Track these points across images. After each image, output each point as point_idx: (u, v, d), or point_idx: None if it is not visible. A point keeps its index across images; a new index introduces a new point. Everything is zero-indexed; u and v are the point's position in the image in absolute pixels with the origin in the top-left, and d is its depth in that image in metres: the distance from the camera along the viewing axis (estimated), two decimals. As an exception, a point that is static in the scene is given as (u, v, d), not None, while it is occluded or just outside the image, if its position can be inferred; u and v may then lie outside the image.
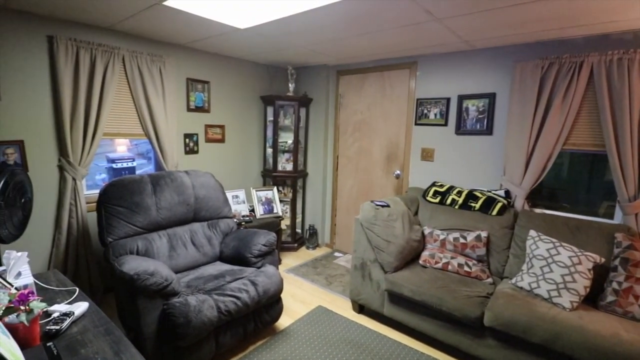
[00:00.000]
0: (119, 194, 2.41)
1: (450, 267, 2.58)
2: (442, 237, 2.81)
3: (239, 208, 3.62)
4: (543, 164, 2.75)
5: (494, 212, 2.78)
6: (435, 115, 3.30)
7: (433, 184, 3.19)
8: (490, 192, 2.95)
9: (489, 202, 2.83)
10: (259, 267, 2.54)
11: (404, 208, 2.86)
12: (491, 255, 2.70)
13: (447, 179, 3.29)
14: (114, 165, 4.82)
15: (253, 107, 4.04)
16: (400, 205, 2.87)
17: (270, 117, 4.03)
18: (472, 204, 2.88)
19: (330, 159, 4.18)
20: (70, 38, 2.56)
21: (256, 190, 3.71)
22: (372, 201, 2.74)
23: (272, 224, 3.59)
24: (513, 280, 2.44)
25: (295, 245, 4.15)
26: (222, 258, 2.73)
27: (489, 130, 3.02)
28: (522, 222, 2.68)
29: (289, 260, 3.89)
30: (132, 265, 2.00)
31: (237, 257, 2.61)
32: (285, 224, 4.21)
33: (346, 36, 2.77)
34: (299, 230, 4.37)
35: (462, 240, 2.72)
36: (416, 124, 3.44)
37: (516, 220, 2.74)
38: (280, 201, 4.19)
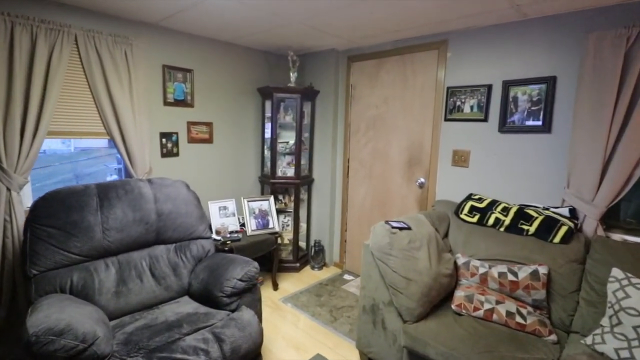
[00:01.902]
0: (51, 210, 1.84)
1: (495, 317, 1.85)
2: (482, 270, 2.08)
3: (228, 222, 3.00)
4: (627, 173, 1.98)
5: (557, 239, 2.03)
6: (472, 107, 2.56)
7: (469, 197, 2.45)
8: (548, 209, 2.19)
9: (549, 224, 2.07)
10: (232, 310, 1.90)
11: (430, 230, 2.15)
12: (553, 299, 1.95)
13: (488, 191, 2.54)
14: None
15: (248, 101, 3.42)
16: (425, 226, 2.16)
17: (268, 113, 3.39)
18: (525, 226, 2.14)
19: (340, 162, 3.50)
20: (2, 12, 2.02)
21: (248, 201, 3.08)
22: (386, 222, 2.05)
23: (267, 242, 2.95)
24: (589, 340, 1.69)
25: (298, 265, 3.50)
26: (191, 293, 2.12)
27: (545, 127, 2.25)
28: (597, 254, 1.92)
29: (289, 284, 3.25)
30: (39, 317, 1.41)
31: (206, 295, 1.98)
32: (287, 238, 3.58)
33: (354, 2, 2.09)
34: (302, 244, 3.71)
35: (511, 277, 1.98)
36: (446, 119, 2.71)
37: (588, 251, 1.98)
38: (281, 212, 3.56)
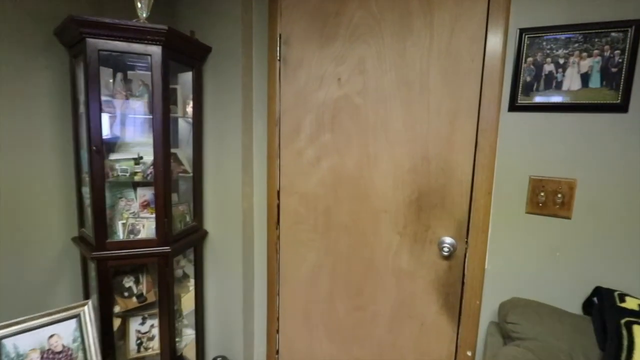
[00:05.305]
0: None
1: None
2: None
3: None
4: None
5: None
6: (586, 78, 1.07)
7: (616, 309, 0.94)
8: None
9: None
10: None
11: None
12: None
13: (635, 279, 1.07)
14: None
15: (33, 62, 1.38)
16: None
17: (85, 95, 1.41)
18: None
19: (261, 198, 1.72)
20: None
21: (1, 336, 1.08)
22: None
23: None
24: None
25: None
26: None
27: None
28: None
29: None
30: None
31: None
32: (154, 349, 1.65)
33: None
34: None
35: None
36: (515, 106, 1.17)
37: None
38: (135, 313, 1.61)
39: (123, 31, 1.31)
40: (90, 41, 1.30)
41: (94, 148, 1.32)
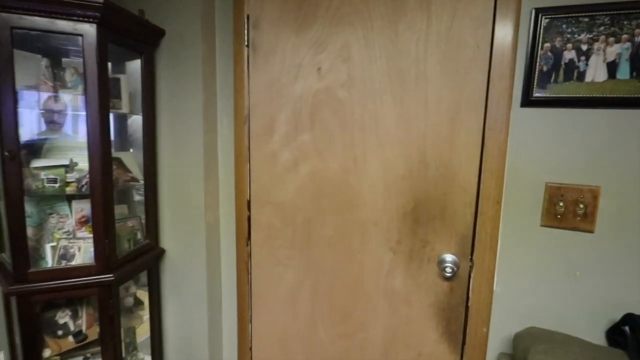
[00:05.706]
0: None
1: None
2: None
3: None
4: None
5: None
6: (613, 67, 0.91)
7: None
8: None
9: None
10: None
11: None
12: None
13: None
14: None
15: None
16: None
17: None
18: None
19: (229, 209, 1.46)
20: None
21: None
22: None
23: None
24: None
25: None
26: None
27: None
28: None
29: None
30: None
31: None
32: None
33: None
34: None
35: None
36: (529, 101, 0.99)
37: None
38: (71, 356, 1.31)
39: (44, 3, 1.03)
40: (0, 16, 1.01)
41: (6, 153, 1.02)
